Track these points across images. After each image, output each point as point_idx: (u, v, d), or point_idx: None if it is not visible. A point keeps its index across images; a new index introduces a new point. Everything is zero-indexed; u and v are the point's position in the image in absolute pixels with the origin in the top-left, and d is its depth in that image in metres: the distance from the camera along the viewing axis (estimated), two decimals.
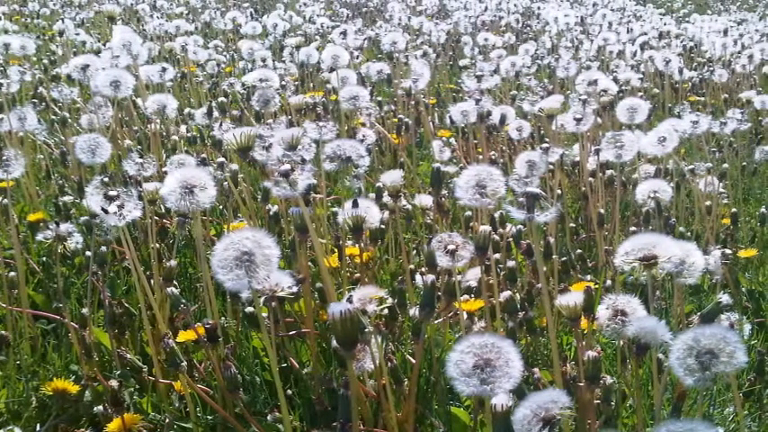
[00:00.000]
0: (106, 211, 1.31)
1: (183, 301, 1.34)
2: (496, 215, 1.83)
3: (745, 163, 2.83)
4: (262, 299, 1.33)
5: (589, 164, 2.31)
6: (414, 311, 1.34)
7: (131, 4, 6.11)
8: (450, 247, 1.32)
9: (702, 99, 3.65)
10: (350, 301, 1.24)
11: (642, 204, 1.90)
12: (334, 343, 1.03)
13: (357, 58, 3.81)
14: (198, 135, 2.45)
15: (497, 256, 1.54)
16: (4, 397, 1.53)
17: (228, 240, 1.04)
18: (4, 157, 1.62)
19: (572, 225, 2.26)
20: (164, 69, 2.68)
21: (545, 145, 2.05)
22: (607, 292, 1.53)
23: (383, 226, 1.75)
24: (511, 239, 1.77)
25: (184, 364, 1.27)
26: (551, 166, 2.17)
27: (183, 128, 2.63)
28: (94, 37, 4.48)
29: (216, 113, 2.43)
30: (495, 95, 3.31)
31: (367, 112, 2.54)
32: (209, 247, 1.65)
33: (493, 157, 2.45)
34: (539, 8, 7.13)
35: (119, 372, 1.49)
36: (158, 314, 1.52)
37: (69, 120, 2.56)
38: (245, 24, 4.48)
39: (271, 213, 1.82)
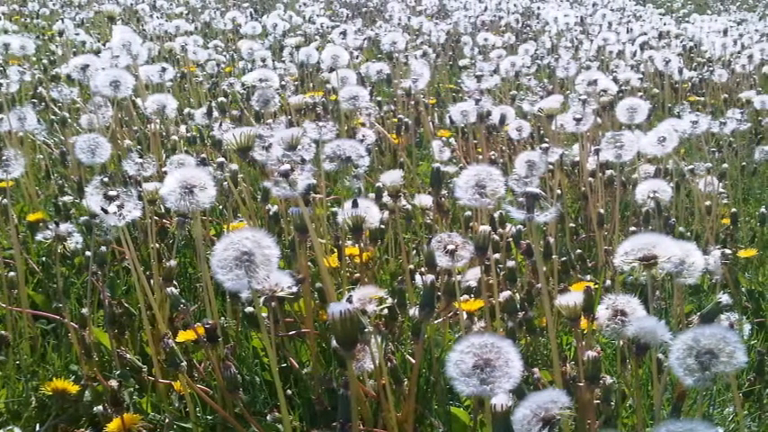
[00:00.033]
0: (106, 211, 1.31)
1: (183, 301, 1.35)
2: (496, 215, 1.83)
3: (744, 163, 2.83)
4: (261, 299, 1.33)
5: (589, 164, 2.31)
6: (413, 311, 1.34)
7: (131, 4, 6.10)
8: (450, 247, 1.32)
9: (702, 99, 3.65)
10: (350, 301, 1.24)
11: (642, 204, 1.90)
12: (334, 343, 1.03)
13: (357, 58, 3.81)
14: (198, 135, 2.45)
15: (497, 256, 1.54)
16: (4, 397, 1.53)
17: (228, 240, 1.04)
18: (4, 157, 1.62)
19: (572, 225, 2.26)
20: (163, 69, 2.68)
21: (545, 145, 2.05)
22: (607, 292, 1.53)
23: (383, 226, 1.75)
24: (511, 239, 1.77)
25: (184, 364, 1.27)
26: (551, 166, 2.17)
27: (182, 128, 2.63)
28: (94, 37, 4.48)
29: (216, 113, 2.43)
30: (495, 95, 3.31)
31: (367, 112, 2.54)
32: (209, 247, 1.65)
33: (492, 157, 2.45)
34: (538, 8, 7.13)
35: (118, 372, 1.49)
36: (158, 314, 1.52)
37: (69, 120, 2.56)
38: (245, 24, 4.48)
39: (270, 213, 1.82)
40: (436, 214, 1.89)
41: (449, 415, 1.42)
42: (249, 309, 1.36)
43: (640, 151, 2.06)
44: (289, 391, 1.46)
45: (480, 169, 1.30)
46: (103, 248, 1.56)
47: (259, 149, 1.58)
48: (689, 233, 2.16)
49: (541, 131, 2.73)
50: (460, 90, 3.41)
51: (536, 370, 1.31)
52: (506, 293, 1.39)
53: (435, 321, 1.46)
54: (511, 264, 1.56)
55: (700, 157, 2.59)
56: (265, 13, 6.00)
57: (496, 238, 1.61)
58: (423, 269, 1.48)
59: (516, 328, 1.41)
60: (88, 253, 1.55)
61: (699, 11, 9.31)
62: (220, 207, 2.14)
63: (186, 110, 2.72)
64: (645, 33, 5.30)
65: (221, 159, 1.89)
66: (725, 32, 5.46)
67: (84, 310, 1.52)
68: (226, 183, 1.80)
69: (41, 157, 2.62)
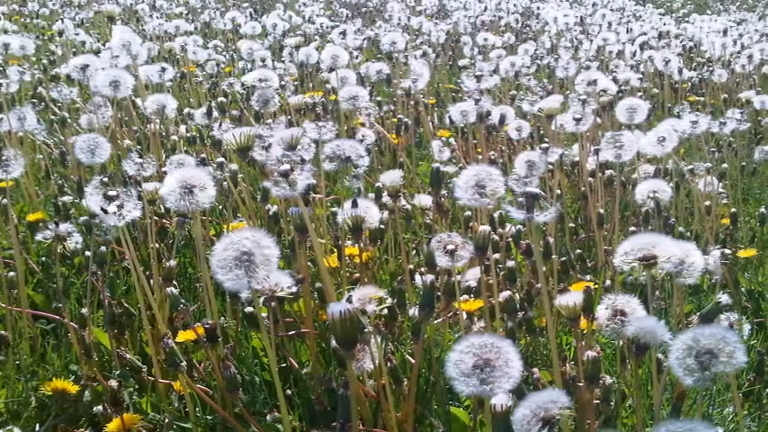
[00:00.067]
0: (106, 211, 1.31)
1: (183, 301, 1.35)
2: (496, 215, 1.83)
3: (744, 163, 2.83)
4: (261, 299, 1.33)
5: (588, 164, 2.31)
6: (413, 311, 1.34)
7: (131, 4, 6.10)
8: (450, 247, 1.32)
9: (702, 99, 3.65)
10: (349, 301, 1.24)
11: (642, 204, 1.90)
12: (334, 343, 1.03)
13: (356, 58, 3.81)
14: (197, 135, 2.44)
15: (497, 256, 1.54)
16: (4, 397, 1.53)
17: (228, 240, 1.04)
18: (4, 157, 1.61)
19: (571, 225, 2.26)
20: (163, 69, 2.68)
21: (544, 145, 2.05)
22: (606, 292, 1.53)
23: (382, 226, 1.75)
24: (510, 239, 1.77)
25: (184, 364, 1.27)
26: (551, 166, 2.17)
27: (182, 128, 2.63)
28: (94, 37, 4.47)
29: (215, 113, 2.43)
30: (495, 95, 3.31)
31: (366, 112, 2.54)
32: (209, 247, 1.65)
33: (492, 157, 2.45)
34: (538, 8, 7.13)
35: (118, 372, 1.49)
36: (158, 314, 1.52)
37: (69, 120, 2.56)
38: (245, 24, 4.48)
39: (270, 213, 1.82)
40: (436, 214, 1.89)
41: (448, 415, 1.42)
42: (249, 309, 1.36)
43: (640, 151, 2.06)
44: (288, 391, 1.46)
45: (480, 169, 1.30)
46: (103, 248, 1.56)
47: (259, 149, 1.58)
48: (689, 233, 2.16)
49: (541, 131, 2.73)
50: (460, 90, 3.41)
51: (536, 370, 1.31)
52: (506, 293, 1.39)
53: (435, 321, 1.47)
54: (510, 264, 1.56)
55: (699, 157, 2.59)
56: (265, 13, 6.00)
57: (496, 238, 1.61)
58: (422, 269, 1.48)
59: (516, 328, 1.41)
60: (88, 253, 1.55)
61: (698, 11, 9.31)
62: (220, 207, 2.14)
63: (186, 110, 2.72)
64: (645, 33, 5.30)
65: (221, 159, 1.89)
66: (725, 32, 5.46)
67: (84, 310, 1.52)
68: (225, 183, 1.80)
69: (41, 157, 2.62)
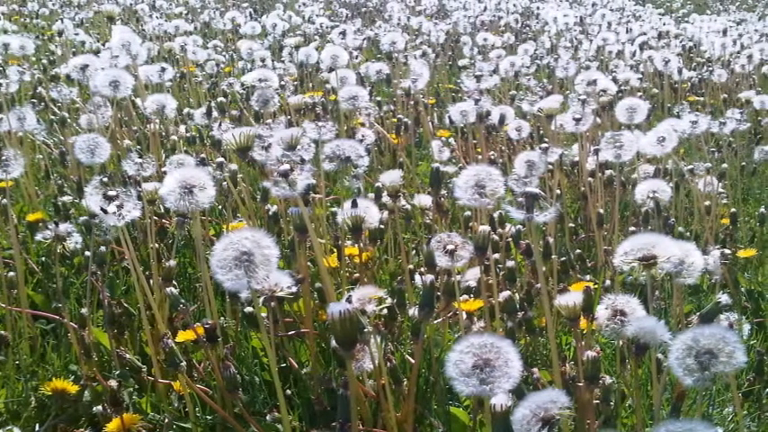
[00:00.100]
0: (105, 211, 1.31)
1: (183, 301, 1.35)
2: (496, 215, 1.83)
3: (744, 163, 2.83)
4: (261, 299, 1.33)
5: (588, 164, 2.31)
6: (413, 311, 1.34)
7: (130, 4, 6.10)
8: (450, 247, 1.32)
9: (702, 99, 3.66)
10: (349, 301, 1.24)
11: (641, 204, 1.90)
12: (334, 343, 1.03)
13: (356, 58, 3.81)
14: (197, 135, 2.44)
15: (496, 256, 1.54)
16: (4, 397, 1.53)
17: (228, 240, 1.04)
18: (4, 157, 1.62)
19: (571, 225, 2.26)
20: (163, 69, 2.68)
21: (544, 145, 2.05)
22: (606, 292, 1.53)
23: (382, 226, 1.75)
24: (510, 239, 1.77)
25: (183, 364, 1.27)
26: (550, 166, 2.17)
27: (182, 128, 2.63)
28: (94, 37, 4.47)
29: (215, 113, 2.43)
30: (495, 95, 3.31)
31: (366, 112, 2.54)
32: (209, 247, 1.65)
33: (492, 157, 2.45)
34: (538, 8, 7.13)
35: (118, 372, 1.49)
36: (157, 314, 1.52)
37: (68, 120, 2.56)
38: (245, 24, 4.48)
39: (270, 213, 1.82)
40: (435, 214, 1.89)
41: (448, 415, 1.42)
42: (248, 309, 1.36)
43: (640, 151, 2.06)
44: (288, 391, 1.46)
45: (480, 169, 1.30)
46: (103, 248, 1.56)
47: (258, 149, 1.58)
48: (688, 233, 2.16)
49: (541, 131, 2.73)
50: (460, 90, 3.41)
51: (535, 370, 1.31)
52: (506, 293, 1.39)
53: (435, 321, 1.46)
54: (510, 264, 1.56)
55: (699, 157, 2.59)
56: (265, 13, 6.00)
57: (496, 238, 1.61)
58: (422, 269, 1.48)
59: (516, 328, 1.41)
60: (87, 253, 1.55)
61: (698, 11, 9.31)
62: (220, 207, 2.14)
63: (186, 110, 2.72)
64: (644, 33, 5.30)
65: (221, 159, 1.89)
66: (724, 32, 5.46)
67: (84, 310, 1.52)
68: (225, 183, 1.80)
69: (41, 157, 2.62)
